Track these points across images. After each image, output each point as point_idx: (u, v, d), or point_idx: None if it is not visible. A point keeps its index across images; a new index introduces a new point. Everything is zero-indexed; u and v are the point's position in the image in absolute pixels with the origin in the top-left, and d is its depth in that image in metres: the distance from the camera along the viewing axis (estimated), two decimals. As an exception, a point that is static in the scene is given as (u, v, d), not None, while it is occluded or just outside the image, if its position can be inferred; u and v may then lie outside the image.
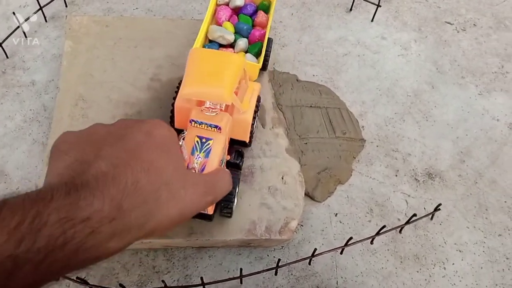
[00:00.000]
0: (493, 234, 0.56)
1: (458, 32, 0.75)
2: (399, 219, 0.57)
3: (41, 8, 0.68)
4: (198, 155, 0.43)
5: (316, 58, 0.70)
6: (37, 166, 0.57)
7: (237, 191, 0.49)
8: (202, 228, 0.50)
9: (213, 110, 0.46)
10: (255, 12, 0.61)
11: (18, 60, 0.66)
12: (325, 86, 0.66)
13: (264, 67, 0.62)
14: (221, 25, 0.59)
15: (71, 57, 0.62)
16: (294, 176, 0.55)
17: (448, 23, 0.76)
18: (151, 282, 0.51)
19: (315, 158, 0.59)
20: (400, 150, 0.62)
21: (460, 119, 0.65)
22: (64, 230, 0.24)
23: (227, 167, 0.49)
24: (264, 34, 0.58)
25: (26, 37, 0.68)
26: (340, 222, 0.56)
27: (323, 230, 0.55)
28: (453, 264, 0.54)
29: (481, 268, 0.54)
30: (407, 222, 0.54)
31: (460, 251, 0.55)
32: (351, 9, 0.76)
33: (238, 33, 0.59)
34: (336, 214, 0.57)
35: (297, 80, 0.66)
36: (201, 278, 0.47)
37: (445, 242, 0.55)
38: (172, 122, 0.53)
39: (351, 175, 0.59)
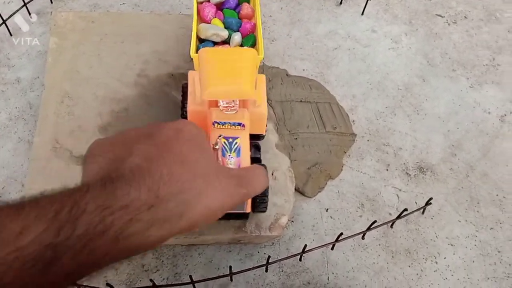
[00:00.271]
0: (484, 227, 0.56)
1: (449, 24, 0.74)
2: (390, 214, 0.56)
3: (25, 5, 0.67)
4: (229, 155, 0.43)
5: (306, 53, 0.69)
6: (23, 164, 0.56)
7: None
8: (190, 226, 0.50)
9: (232, 108, 0.46)
10: (238, 5, 0.60)
11: (3, 57, 0.65)
12: (315, 80, 0.66)
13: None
14: (209, 23, 0.58)
15: (57, 53, 0.61)
16: (284, 172, 0.55)
17: (439, 15, 0.75)
18: (140, 280, 0.50)
19: (305, 153, 0.58)
20: (391, 144, 0.61)
21: (451, 112, 0.65)
22: (103, 217, 0.24)
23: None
24: (254, 26, 0.57)
25: (11, 34, 0.67)
26: (331, 218, 0.56)
27: (314, 226, 0.55)
28: (445, 258, 0.54)
29: (473, 261, 0.54)
30: (398, 217, 0.53)
31: (451, 245, 0.55)
32: (341, 3, 0.75)
33: (228, 28, 0.58)
34: (327, 209, 0.56)
35: (286, 75, 0.65)
36: (190, 276, 0.47)
37: (436, 236, 0.55)
38: None
39: (341, 170, 0.59)
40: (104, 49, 0.62)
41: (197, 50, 0.55)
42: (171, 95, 0.59)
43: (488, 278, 0.53)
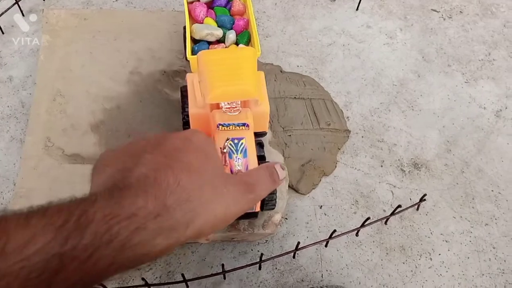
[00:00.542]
0: (479, 223, 0.56)
1: (444, 19, 0.74)
2: (384, 210, 0.56)
3: (17, 2, 0.66)
4: (237, 157, 0.43)
5: (300, 49, 0.69)
6: (15, 164, 0.56)
7: None
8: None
9: (234, 109, 0.45)
10: (228, 1, 0.59)
11: (-5, 55, 0.65)
12: (310, 76, 0.65)
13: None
14: (201, 23, 0.58)
15: (49, 51, 0.61)
16: (277, 169, 0.54)
17: (434, 10, 0.75)
18: (133, 279, 0.50)
19: (299, 150, 0.58)
20: (386, 140, 0.61)
21: (447, 108, 0.65)
22: (110, 226, 0.24)
23: None
24: (247, 22, 0.57)
25: (3, 32, 0.66)
26: (325, 215, 0.55)
27: (307, 223, 0.55)
28: (440, 254, 0.53)
29: (468, 258, 0.53)
30: (393, 213, 0.53)
31: (446, 241, 0.54)
32: (335, -2, 0.74)
33: (221, 26, 0.58)
34: (321, 206, 0.56)
35: (281, 71, 0.65)
36: (182, 275, 0.47)
37: (431, 233, 0.55)
38: None
39: (335, 166, 0.58)
40: (96, 47, 0.62)
41: (192, 52, 0.55)
42: (163, 92, 0.59)
43: (483, 275, 0.52)
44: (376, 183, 0.58)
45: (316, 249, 0.53)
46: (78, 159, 0.54)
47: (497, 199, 0.57)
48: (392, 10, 0.74)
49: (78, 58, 0.61)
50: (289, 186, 0.55)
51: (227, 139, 0.42)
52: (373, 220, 0.52)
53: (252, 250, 0.53)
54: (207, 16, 0.57)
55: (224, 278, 0.50)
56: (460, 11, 0.75)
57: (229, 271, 0.49)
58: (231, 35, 0.56)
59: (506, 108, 0.65)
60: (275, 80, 0.63)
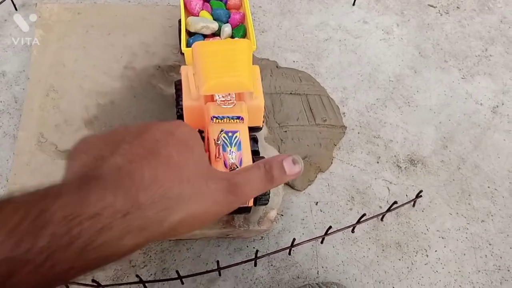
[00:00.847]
0: (476, 220, 0.56)
1: (441, 15, 0.74)
2: (380, 207, 0.56)
3: (10, -4, 0.65)
4: (230, 150, 0.42)
5: (296, 44, 0.68)
6: (8, 160, 0.55)
7: None
8: (178, 220, 0.49)
9: (229, 102, 0.44)
10: None
11: (-12, 50, 0.64)
12: (306, 72, 0.65)
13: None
14: (197, 16, 0.57)
15: (42, 46, 0.60)
16: (273, 165, 0.54)
17: (431, 6, 0.74)
18: (127, 276, 0.50)
19: (295, 146, 0.57)
20: (382, 136, 0.61)
21: (443, 104, 0.64)
22: (70, 227, 0.22)
23: None
24: (243, 16, 0.57)
25: (-5, 26, 0.66)
26: (321, 211, 0.55)
27: (303, 220, 0.54)
28: (436, 251, 0.53)
29: (464, 254, 0.53)
30: (389, 210, 0.53)
31: (442, 237, 0.54)
32: (332, -7, 0.74)
33: (217, 20, 0.57)
34: (317, 202, 0.55)
35: (276, 67, 0.64)
36: (177, 272, 0.46)
37: (427, 229, 0.55)
38: None
39: (331, 162, 0.58)
40: (90, 41, 0.61)
41: (187, 44, 0.54)
42: (158, 87, 0.58)
43: (479, 271, 0.52)
44: (372, 179, 0.57)
45: (312, 245, 0.53)
46: (72, 155, 0.53)
47: (493, 195, 0.57)
48: (389, 5, 0.74)
49: (71, 52, 0.60)
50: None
51: (221, 131, 0.42)
52: (369, 217, 0.52)
53: (247, 246, 0.52)
54: (202, 9, 0.57)
55: (220, 274, 0.50)
56: (457, 7, 0.75)
57: (224, 267, 0.48)
58: (227, 29, 0.56)
59: (502, 104, 0.65)
60: (271, 75, 0.63)
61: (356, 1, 0.73)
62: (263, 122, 0.58)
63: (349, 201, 0.56)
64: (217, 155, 0.41)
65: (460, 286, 0.51)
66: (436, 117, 0.63)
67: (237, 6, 0.57)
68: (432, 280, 0.51)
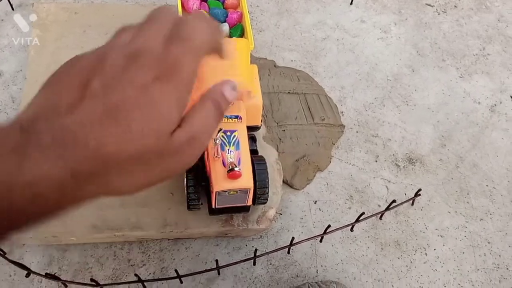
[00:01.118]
0: (474, 218, 0.56)
1: (438, 14, 0.74)
2: (379, 206, 0.56)
3: (7, -5, 0.65)
4: (229, 149, 0.42)
5: (294, 43, 0.68)
6: (5, 159, 0.55)
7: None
8: (176, 219, 0.49)
9: None
10: None
11: (-15, 50, 0.64)
12: (304, 71, 0.65)
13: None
14: None
15: (39, 46, 0.60)
16: (272, 164, 0.54)
17: (429, 5, 0.75)
18: (126, 275, 0.50)
19: (293, 145, 0.57)
20: (380, 135, 0.61)
21: (441, 103, 0.64)
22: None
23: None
24: (241, 15, 0.56)
25: (-8, 26, 0.65)
26: (320, 210, 0.55)
27: (302, 218, 0.54)
28: (435, 249, 0.53)
29: (463, 253, 0.53)
30: (387, 208, 0.53)
31: (441, 236, 0.54)
32: (330, -7, 0.74)
33: (214, 19, 0.57)
34: (316, 201, 0.55)
35: (274, 66, 0.64)
36: (176, 271, 0.46)
37: (426, 228, 0.55)
38: None
39: (330, 161, 0.58)
40: (87, 41, 0.60)
41: None
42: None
43: (478, 269, 0.52)
44: (371, 178, 0.57)
45: (311, 244, 0.53)
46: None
47: (491, 194, 0.57)
48: (387, 4, 0.74)
49: (69, 52, 0.59)
50: (283, 181, 0.55)
51: (220, 130, 0.42)
52: (368, 215, 0.52)
53: (246, 245, 0.52)
54: (200, 9, 0.57)
55: (219, 273, 0.50)
56: (455, 6, 0.75)
57: (223, 266, 0.48)
58: (225, 28, 0.56)
59: (500, 103, 0.65)
60: (268, 74, 0.63)
61: (353, 0, 0.73)
62: (261, 121, 0.57)
63: (347, 200, 0.56)
64: (215, 154, 0.41)
65: (459, 284, 0.51)
66: (434, 116, 0.63)
67: (234, 6, 0.57)
68: (431, 278, 0.51)
